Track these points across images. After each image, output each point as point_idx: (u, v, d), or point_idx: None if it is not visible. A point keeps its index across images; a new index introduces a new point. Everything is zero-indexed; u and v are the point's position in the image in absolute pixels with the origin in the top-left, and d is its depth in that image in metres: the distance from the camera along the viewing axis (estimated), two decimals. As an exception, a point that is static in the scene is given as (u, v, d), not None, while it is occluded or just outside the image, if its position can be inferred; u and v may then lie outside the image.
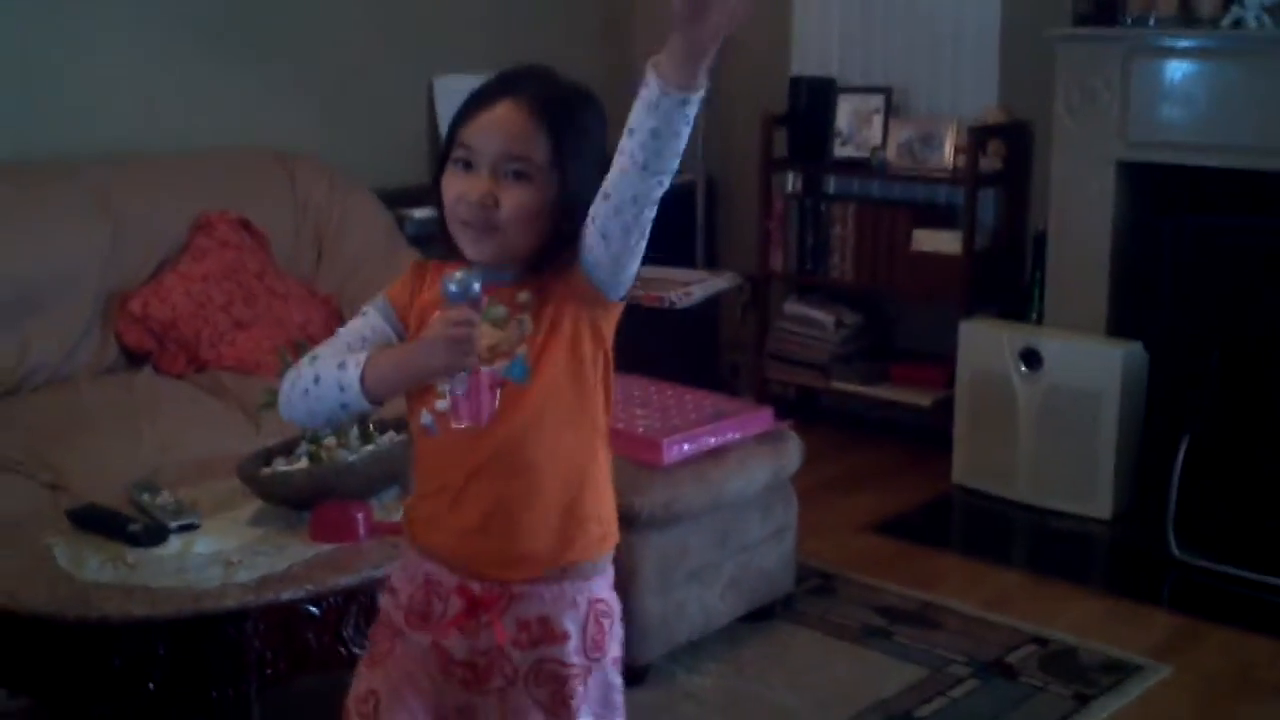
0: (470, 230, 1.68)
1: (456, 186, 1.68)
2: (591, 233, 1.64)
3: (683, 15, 1.49)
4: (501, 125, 1.67)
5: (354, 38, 4.66)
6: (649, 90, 1.56)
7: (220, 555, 2.41)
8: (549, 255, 1.70)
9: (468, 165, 1.68)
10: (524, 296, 1.69)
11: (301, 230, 4.17)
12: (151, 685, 2.25)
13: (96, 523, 2.50)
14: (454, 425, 1.68)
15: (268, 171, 4.18)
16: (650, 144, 1.58)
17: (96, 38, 4.00)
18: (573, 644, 1.74)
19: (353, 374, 1.67)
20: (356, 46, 4.68)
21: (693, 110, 1.57)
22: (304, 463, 2.63)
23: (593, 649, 1.76)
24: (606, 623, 1.78)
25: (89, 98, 3.99)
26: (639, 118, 1.57)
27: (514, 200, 1.66)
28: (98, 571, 2.33)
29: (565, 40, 5.34)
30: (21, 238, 3.54)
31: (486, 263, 1.68)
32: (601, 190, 1.62)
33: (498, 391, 1.67)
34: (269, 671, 2.30)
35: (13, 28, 3.83)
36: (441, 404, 1.69)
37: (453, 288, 1.61)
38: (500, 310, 1.68)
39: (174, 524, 2.48)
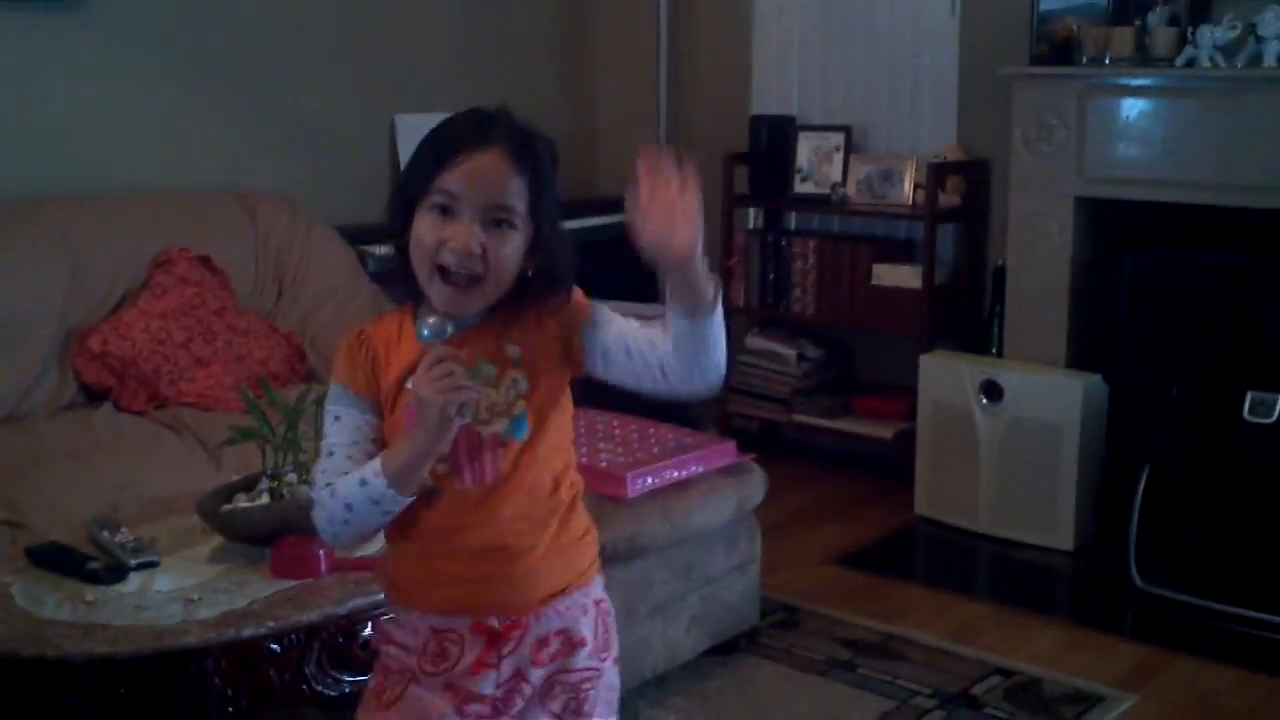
0: (451, 281, 1.68)
1: (436, 232, 1.68)
2: (640, 334, 1.70)
3: (652, 244, 1.58)
4: (489, 174, 1.68)
5: (317, 75, 4.66)
6: (675, 329, 1.65)
7: (180, 592, 2.38)
8: (511, 300, 1.73)
9: (445, 211, 1.68)
10: (513, 351, 1.72)
11: (262, 267, 4.15)
12: (112, 724, 2.23)
13: (55, 561, 2.47)
14: (459, 488, 1.72)
15: (228, 208, 4.17)
16: (701, 357, 1.67)
17: (60, 76, 3.99)
18: (588, 649, 1.79)
19: (379, 484, 1.68)
20: (319, 84, 4.68)
21: (716, 317, 1.66)
22: (265, 499, 2.61)
23: (602, 650, 1.81)
24: (610, 620, 1.84)
25: (52, 135, 3.97)
26: (678, 344, 1.67)
27: (499, 248, 1.68)
28: (56, 610, 2.30)
29: (527, 78, 5.36)
30: (-19, 274, 3.52)
31: (459, 315, 1.70)
32: (648, 340, 1.69)
33: (499, 451, 1.71)
34: (230, 710, 2.28)
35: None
36: (441, 467, 1.71)
37: (426, 332, 1.65)
38: (490, 369, 1.70)
39: (134, 561, 2.45)
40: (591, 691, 1.79)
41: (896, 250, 4.83)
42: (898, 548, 4.26)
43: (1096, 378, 4.15)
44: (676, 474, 3.23)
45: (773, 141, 4.98)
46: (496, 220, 1.68)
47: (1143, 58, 4.04)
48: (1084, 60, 4.14)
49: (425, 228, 1.69)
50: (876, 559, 4.12)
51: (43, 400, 3.59)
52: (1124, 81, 4.07)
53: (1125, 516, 3.82)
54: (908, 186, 4.69)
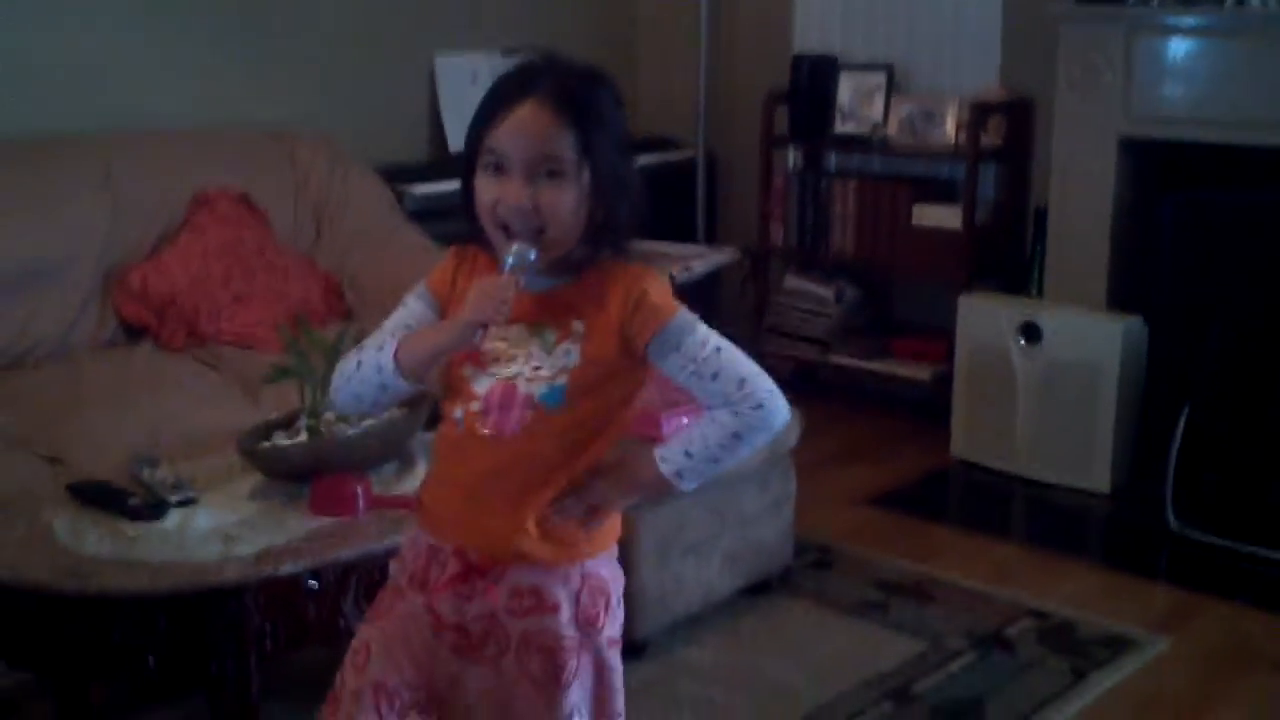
0: (516, 236, 1.69)
1: (492, 191, 1.70)
2: (698, 392, 1.73)
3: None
4: (529, 127, 1.68)
5: (356, 14, 4.65)
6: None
7: (219, 529, 2.41)
8: (589, 251, 1.74)
9: (499, 169, 1.70)
10: (579, 326, 1.73)
11: (301, 206, 4.16)
12: (151, 659, 2.26)
13: (96, 497, 2.50)
14: (479, 430, 1.74)
15: (267, 148, 4.18)
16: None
17: (98, 13, 3.99)
18: (564, 615, 1.76)
19: (387, 352, 1.74)
20: (358, 23, 4.67)
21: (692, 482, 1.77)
22: (303, 436, 2.63)
23: (585, 622, 1.77)
24: (601, 599, 1.79)
25: (90, 74, 3.98)
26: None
27: (553, 200, 1.68)
28: (97, 545, 2.34)
29: (567, 17, 5.33)
30: (22, 213, 3.55)
31: (540, 266, 1.71)
32: (701, 389, 1.73)
33: (529, 412, 1.72)
34: (268, 645, 2.31)
35: (14, 4, 3.82)
36: (475, 405, 1.74)
37: (510, 259, 1.68)
38: (551, 336, 1.73)
39: (173, 498, 2.48)
40: (572, 661, 1.76)
41: (937, 191, 4.79)
42: (933, 489, 4.26)
43: (1137, 319, 4.12)
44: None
45: (814, 81, 4.94)
46: (549, 172, 1.68)
47: (1191, -3, 3.99)
48: (1131, 0, 4.08)
49: (483, 188, 1.71)
50: (911, 500, 4.12)
51: (83, 338, 3.62)
52: (1172, 21, 4.01)
53: (1163, 459, 3.80)
54: (949, 126, 4.66)
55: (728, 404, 1.72)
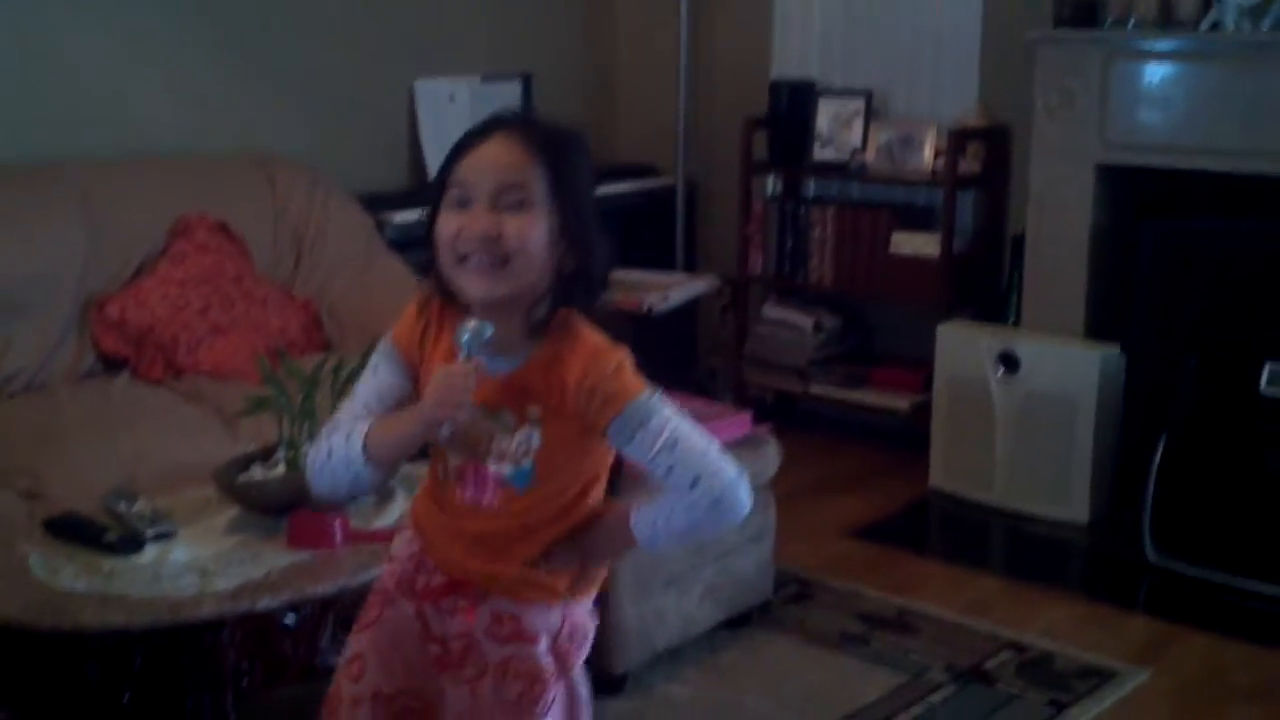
0: (476, 268, 1.66)
1: (454, 223, 1.68)
2: (662, 477, 1.71)
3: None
4: (495, 158, 1.68)
5: (335, 41, 4.64)
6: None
7: (196, 563, 2.40)
8: (552, 308, 1.71)
9: (463, 203, 1.68)
10: (534, 413, 1.71)
11: (280, 234, 4.15)
12: (127, 695, 2.25)
13: (72, 531, 2.49)
14: (459, 497, 1.76)
15: (247, 175, 4.17)
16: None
17: (78, 40, 3.98)
18: (542, 646, 1.77)
19: (356, 445, 1.71)
20: (338, 49, 4.66)
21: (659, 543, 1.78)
22: (281, 469, 2.62)
23: (560, 658, 1.80)
24: (579, 638, 1.82)
25: (70, 100, 3.96)
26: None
27: (519, 228, 1.66)
28: (73, 580, 2.32)
29: (548, 43, 5.33)
30: (2, 241, 3.52)
31: (495, 301, 1.68)
32: (657, 476, 1.71)
33: (500, 490, 1.74)
34: (245, 682, 2.30)
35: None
36: (454, 473, 1.76)
37: (465, 336, 1.65)
38: (510, 419, 1.72)
39: (150, 532, 2.47)
40: (549, 691, 1.78)
41: (916, 218, 4.80)
42: (912, 521, 4.26)
43: (1114, 349, 4.13)
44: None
45: (793, 107, 4.95)
46: (516, 202, 1.66)
47: (1167, 21, 4.00)
48: (1107, 23, 4.09)
49: (445, 221, 1.69)
50: (891, 532, 4.12)
51: (61, 369, 3.60)
52: (1148, 45, 4.03)
53: (1141, 490, 3.81)
54: (928, 153, 4.67)
55: (683, 499, 1.70)
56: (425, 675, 1.81)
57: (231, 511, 2.61)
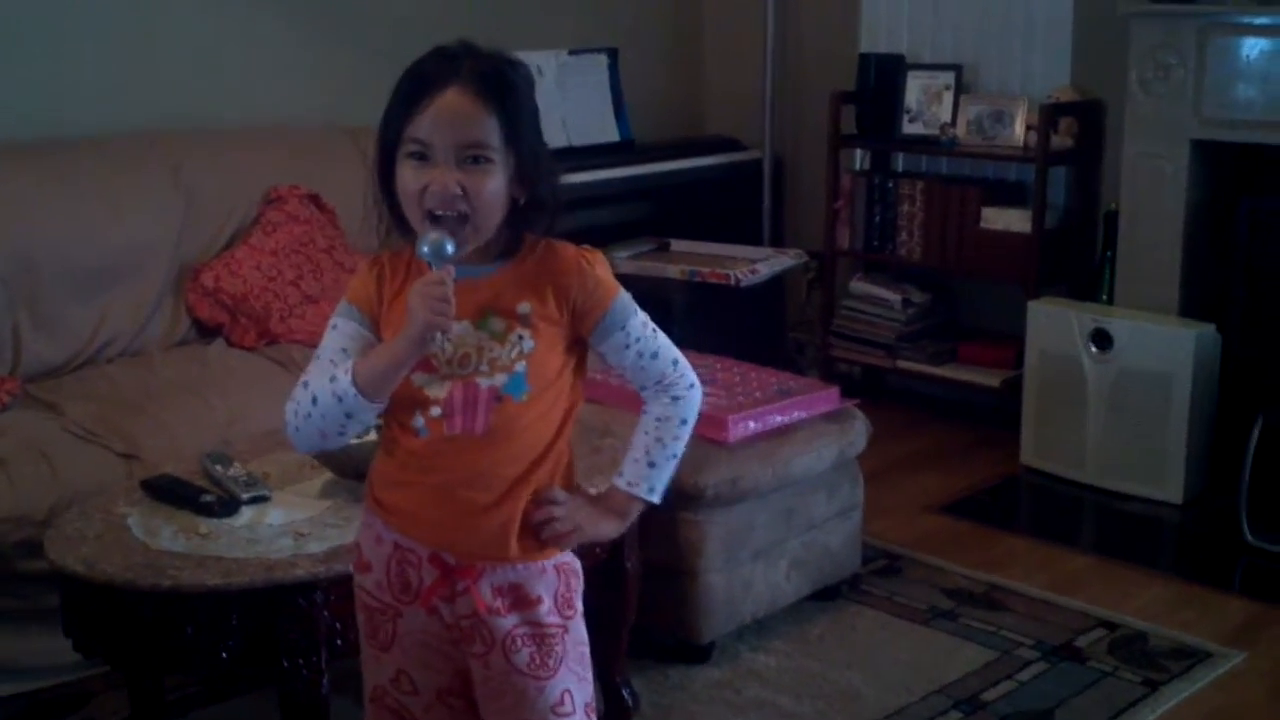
0: (441, 224, 1.68)
1: (417, 179, 1.69)
2: (636, 374, 1.80)
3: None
4: (453, 114, 1.68)
5: (426, 11, 4.66)
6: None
7: (290, 526, 2.42)
8: (511, 234, 1.75)
9: (422, 157, 1.69)
10: (524, 308, 1.73)
11: (369, 203, 4.16)
12: (224, 654, 2.27)
13: (170, 493, 2.52)
14: (446, 433, 1.73)
15: (338, 145, 4.19)
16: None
17: (173, 13, 4.03)
18: (545, 606, 1.80)
19: (344, 381, 1.69)
20: (428, 23, 4.67)
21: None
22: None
23: (565, 608, 1.82)
24: (574, 581, 1.85)
25: (166, 73, 4.02)
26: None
27: (481, 185, 1.68)
28: (171, 541, 2.35)
29: (634, 17, 5.33)
30: (100, 211, 3.59)
31: (461, 255, 1.70)
32: (639, 367, 1.79)
33: (493, 405, 1.72)
34: (339, 642, 2.32)
35: (93, 5, 3.86)
36: (435, 410, 1.73)
37: (425, 249, 1.65)
38: (499, 323, 1.73)
39: (246, 495, 2.50)
40: (557, 646, 1.80)
41: (1006, 193, 4.74)
42: (1002, 497, 4.22)
43: (1210, 327, 4.06)
44: (779, 419, 3.22)
45: (881, 81, 4.91)
46: (473, 158, 1.68)
47: (1266, -5, 3.93)
48: (1205, -2, 4.03)
49: (407, 177, 1.70)
50: (980, 508, 4.08)
51: (157, 335, 3.66)
52: (1246, 20, 3.96)
53: (1237, 470, 3.75)
54: (1019, 128, 4.61)
55: (662, 385, 1.80)
56: (461, 658, 1.83)
57: (324, 476, 2.64)
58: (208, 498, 2.48)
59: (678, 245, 4.95)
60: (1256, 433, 3.72)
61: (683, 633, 3.08)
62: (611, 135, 5.08)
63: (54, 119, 3.77)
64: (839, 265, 5.12)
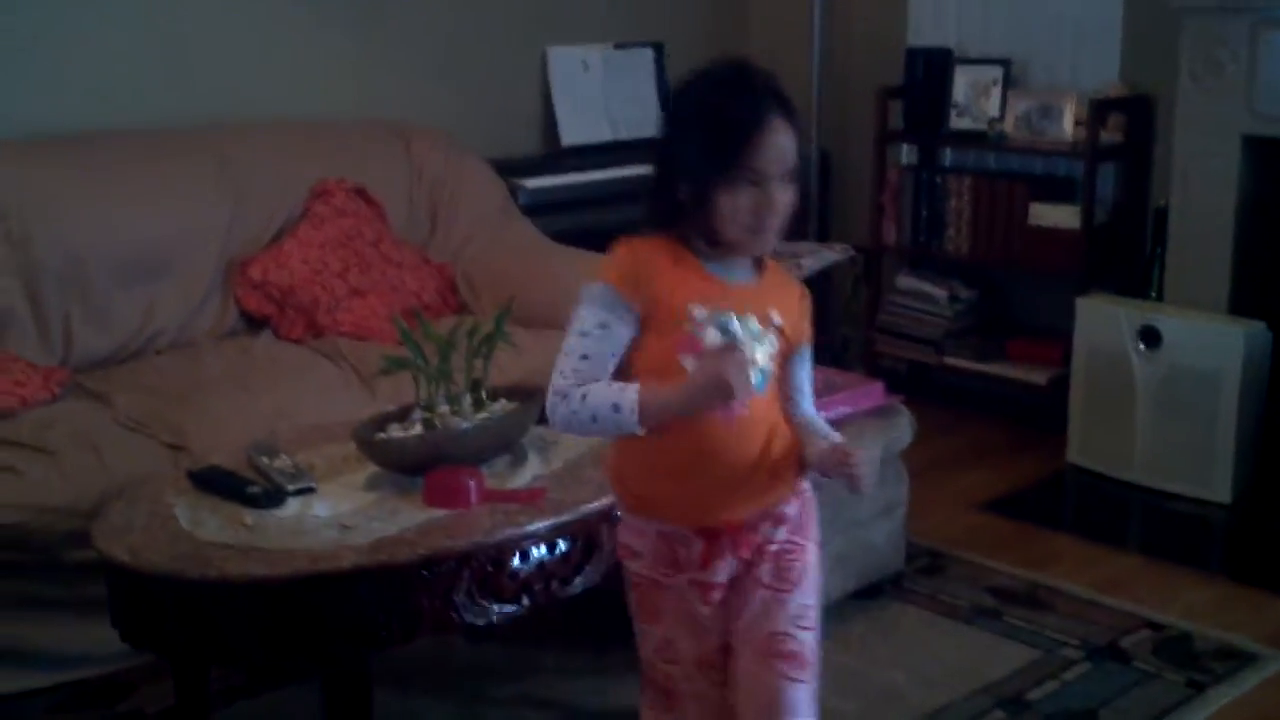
0: (765, 233, 1.92)
1: (749, 199, 1.90)
2: (803, 390, 2.07)
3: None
4: (781, 147, 1.91)
5: (469, 6, 4.68)
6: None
7: (336, 518, 2.43)
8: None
9: (754, 182, 1.90)
10: (776, 317, 1.97)
11: (416, 199, 4.20)
12: (269, 645, 2.29)
13: (216, 484, 2.54)
14: (712, 415, 1.94)
15: (384, 140, 4.22)
16: None
17: (221, 7, 4.06)
18: (787, 527, 2.03)
19: (630, 419, 1.89)
20: (471, 15, 4.70)
21: None
22: (418, 429, 2.65)
23: (801, 530, 2.05)
24: (811, 507, 2.08)
25: (212, 65, 4.06)
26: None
27: (790, 198, 1.94)
28: (217, 532, 2.37)
29: (679, 10, 5.32)
30: (150, 203, 3.63)
31: (763, 252, 1.99)
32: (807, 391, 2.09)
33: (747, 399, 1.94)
34: (382, 634, 2.33)
35: (143, 2, 3.90)
36: None
37: (719, 327, 1.91)
38: (757, 328, 1.95)
39: (291, 487, 2.51)
40: (795, 564, 2.03)
41: (1055, 189, 4.71)
42: (1048, 496, 4.19)
43: (1260, 325, 4.02)
44: (823, 413, 3.18)
45: (928, 75, 4.89)
46: (787, 177, 1.92)
47: (1322, -11, 3.89)
48: (1258, -8, 3.98)
49: (742, 199, 1.90)
50: (1025, 506, 4.06)
51: (205, 327, 3.69)
52: (1300, 14, 3.92)
53: (1286, 470, 3.71)
54: (1068, 123, 4.58)
55: (817, 417, 2.10)
56: (714, 628, 2.05)
57: (369, 469, 2.64)
58: (254, 489, 2.50)
59: (723, 240, 4.94)
60: (1307, 432, 3.68)
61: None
62: (657, 129, 5.07)
63: (103, 113, 3.81)
64: (885, 261, 5.10)
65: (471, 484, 2.52)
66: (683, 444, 1.95)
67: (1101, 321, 4.23)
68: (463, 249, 4.17)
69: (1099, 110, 4.43)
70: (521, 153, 4.79)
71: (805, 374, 2.07)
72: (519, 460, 2.72)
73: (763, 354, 1.94)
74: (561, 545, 2.51)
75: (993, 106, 4.74)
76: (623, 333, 1.93)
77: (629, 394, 1.89)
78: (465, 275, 4.09)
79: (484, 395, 2.72)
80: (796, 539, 2.04)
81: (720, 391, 1.85)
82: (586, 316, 1.94)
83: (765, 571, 2.02)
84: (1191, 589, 3.52)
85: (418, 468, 2.57)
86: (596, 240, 4.32)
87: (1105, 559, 3.72)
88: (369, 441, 2.62)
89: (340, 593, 2.29)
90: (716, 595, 2.02)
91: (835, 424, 3.14)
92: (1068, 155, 4.61)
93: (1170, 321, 4.09)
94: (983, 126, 4.73)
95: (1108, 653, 3.16)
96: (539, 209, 4.45)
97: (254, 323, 3.75)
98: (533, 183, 4.49)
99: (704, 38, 5.42)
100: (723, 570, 2.01)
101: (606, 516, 2.59)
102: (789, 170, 1.92)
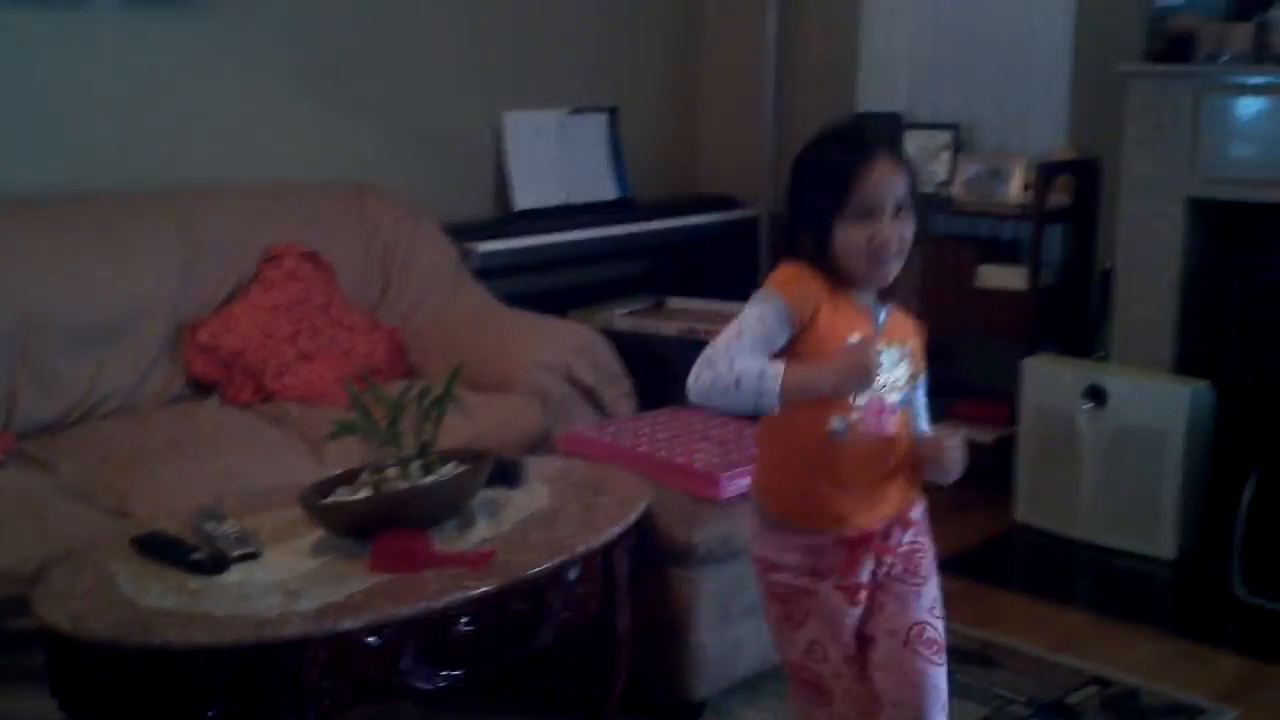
0: (883, 262, 2.12)
1: (865, 231, 2.10)
2: (921, 414, 2.32)
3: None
4: (889, 180, 2.10)
5: (427, 72, 4.72)
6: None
7: (281, 584, 2.42)
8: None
9: (867, 214, 2.09)
10: (912, 344, 2.22)
11: (369, 261, 4.21)
12: (211, 713, 2.27)
13: (160, 550, 2.53)
14: (860, 434, 2.16)
15: (339, 202, 4.24)
16: None
17: (175, 72, 4.07)
18: (921, 528, 2.29)
19: (772, 387, 2.06)
20: (429, 81, 4.73)
21: None
22: (365, 492, 2.65)
23: (925, 531, 2.30)
24: (925, 512, 2.31)
25: (167, 129, 4.06)
26: None
27: (907, 232, 2.13)
28: (160, 599, 2.35)
29: (634, 76, 5.38)
30: (100, 267, 3.62)
31: (881, 283, 2.17)
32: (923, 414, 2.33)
33: (894, 415, 2.18)
34: (327, 701, 2.32)
35: (94, 62, 3.91)
36: (855, 415, 2.15)
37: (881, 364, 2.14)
38: (895, 354, 2.18)
39: (236, 552, 2.50)
40: (924, 561, 2.27)
41: (1002, 251, 4.77)
42: (996, 554, 4.22)
43: (1204, 384, 4.07)
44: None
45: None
46: (901, 211, 2.11)
47: (1260, 55, 3.96)
48: (1200, 58, 4.06)
49: (856, 232, 2.10)
50: (974, 565, 4.07)
51: (152, 391, 3.67)
52: (1241, 80, 4.00)
53: (1230, 526, 3.75)
54: (1016, 186, 4.65)
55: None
56: (853, 626, 2.25)
57: (316, 533, 2.63)
58: (198, 555, 2.48)
59: (674, 302, 4.98)
60: (1250, 489, 3.72)
61: (675, 691, 3.08)
62: (610, 193, 5.13)
63: (56, 176, 3.81)
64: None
65: (418, 548, 2.52)
66: (831, 461, 2.15)
67: (1048, 381, 4.27)
68: (414, 312, 4.18)
69: (1046, 173, 4.49)
70: (475, 216, 4.82)
71: (923, 398, 2.31)
72: (468, 523, 2.72)
73: (902, 376, 2.19)
74: (510, 608, 2.51)
75: (942, 169, 4.80)
76: (782, 330, 2.11)
77: (776, 365, 2.07)
78: (416, 338, 4.10)
79: (433, 458, 2.72)
80: (921, 539, 2.28)
81: (859, 375, 2.08)
82: (752, 313, 2.12)
83: (900, 570, 2.24)
84: (1138, 645, 3.55)
85: (365, 532, 2.56)
86: (548, 304, 4.40)
87: (1053, 616, 3.74)
88: (315, 505, 2.61)
89: (285, 660, 2.27)
90: (863, 595, 2.22)
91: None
92: (1015, 218, 4.67)
93: (1116, 381, 4.14)
94: (932, 190, 4.79)
95: (1056, 710, 3.17)
96: (492, 273, 4.47)
97: (202, 387, 3.73)
98: (486, 246, 4.51)
99: (658, 102, 5.49)
100: (865, 572, 2.21)
101: (555, 578, 2.60)
102: (900, 204, 2.10)
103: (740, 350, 2.09)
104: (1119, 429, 4.10)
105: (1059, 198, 4.58)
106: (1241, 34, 3.98)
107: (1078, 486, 4.19)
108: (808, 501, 2.20)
